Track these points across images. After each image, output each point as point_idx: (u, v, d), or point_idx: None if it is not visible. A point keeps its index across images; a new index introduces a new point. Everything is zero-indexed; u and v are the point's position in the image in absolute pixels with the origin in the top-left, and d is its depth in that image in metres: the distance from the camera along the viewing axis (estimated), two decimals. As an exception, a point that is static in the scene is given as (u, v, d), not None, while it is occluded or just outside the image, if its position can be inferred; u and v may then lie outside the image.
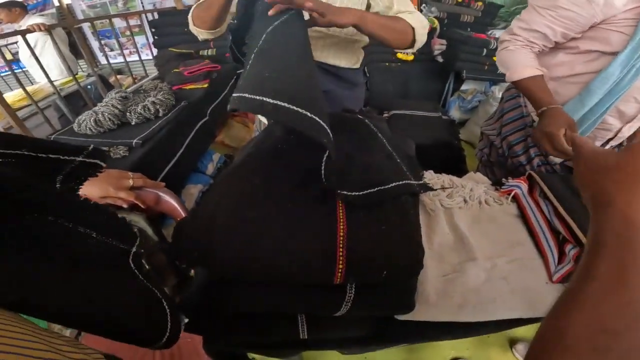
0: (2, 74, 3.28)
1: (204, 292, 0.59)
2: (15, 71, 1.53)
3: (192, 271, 0.70)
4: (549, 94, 0.92)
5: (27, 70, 2.69)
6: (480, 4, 3.06)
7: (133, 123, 1.28)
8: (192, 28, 1.08)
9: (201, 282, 0.62)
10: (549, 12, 0.90)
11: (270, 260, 0.51)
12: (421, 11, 2.86)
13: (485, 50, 2.46)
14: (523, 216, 0.79)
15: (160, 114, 1.30)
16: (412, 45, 0.99)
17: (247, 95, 0.50)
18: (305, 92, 0.54)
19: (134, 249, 0.50)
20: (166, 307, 0.46)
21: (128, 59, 2.13)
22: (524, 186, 0.85)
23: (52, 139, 1.35)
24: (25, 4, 2.73)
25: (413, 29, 0.94)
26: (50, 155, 0.41)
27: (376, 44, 2.60)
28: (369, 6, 1.02)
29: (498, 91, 2.40)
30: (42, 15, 3.07)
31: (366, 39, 1.16)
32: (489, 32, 3.34)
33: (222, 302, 0.58)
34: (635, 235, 0.26)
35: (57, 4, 3.37)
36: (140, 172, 1.19)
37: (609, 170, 0.31)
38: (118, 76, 2.11)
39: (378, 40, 0.93)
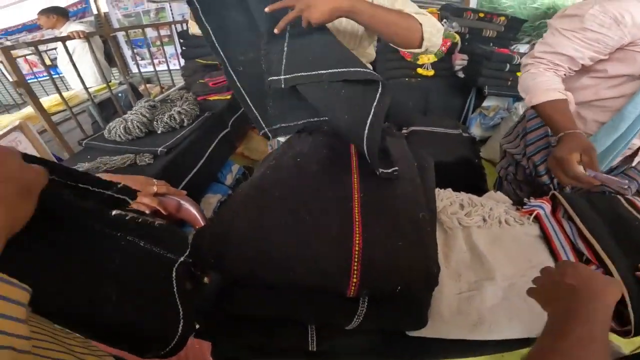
0: (39, 79, 3.49)
1: (217, 298, 0.61)
2: (53, 77, 1.62)
3: (206, 278, 0.72)
4: (569, 119, 0.87)
5: (63, 77, 2.85)
6: (502, 18, 3.01)
7: (159, 131, 1.34)
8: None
9: (215, 288, 0.63)
10: (575, 35, 0.88)
11: (285, 268, 0.52)
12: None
13: (508, 66, 2.40)
14: (545, 237, 0.78)
15: (185, 124, 1.36)
16: (420, 45, 0.88)
17: (303, 73, 0.75)
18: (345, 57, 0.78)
19: (181, 259, 0.52)
20: (181, 315, 0.46)
21: (157, 69, 2.23)
22: (547, 206, 0.84)
23: (83, 143, 1.43)
24: (67, 11, 2.91)
25: (420, 25, 0.85)
26: (80, 185, 0.45)
27: (396, 58, 2.60)
28: None
29: (521, 108, 2.35)
30: (82, 22, 3.25)
31: (373, 38, 1.10)
32: (512, 47, 3.29)
33: (234, 306, 0.59)
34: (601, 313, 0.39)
35: (95, 12, 3.59)
36: (163, 179, 1.24)
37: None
38: (147, 85, 2.21)
39: (379, 34, 0.87)
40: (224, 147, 1.55)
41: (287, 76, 0.78)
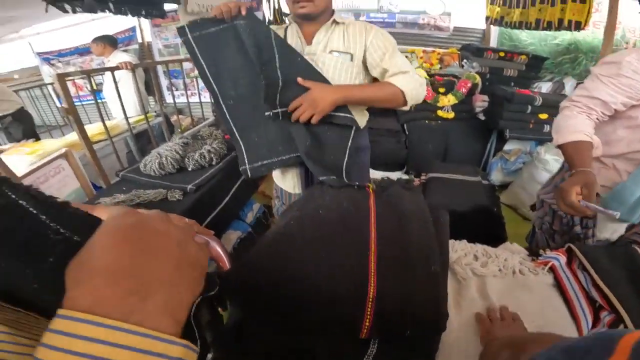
0: (83, 102, 3.78)
1: (234, 331, 0.65)
2: (98, 102, 1.75)
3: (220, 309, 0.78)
4: (586, 159, 0.92)
5: (105, 102, 3.07)
6: (523, 57, 3.03)
7: (189, 169, 1.43)
8: None
9: (232, 322, 0.68)
10: (611, 80, 0.93)
11: (303, 309, 0.58)
12: (462, 67, 2.91)
13: (529, 107, 2.37)
14: (559, 286, 0.79)
15: (214, 162, 1.45)
16: (405, 104, 1.08)
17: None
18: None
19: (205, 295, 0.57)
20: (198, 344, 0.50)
21: (190, 100, 2.38)
22: (562, 258, 0.85)
23: (120, 175, 1.54)
24: (116, 40, 3.17)
25: (402, 91, 1.03)
26: None
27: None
28: (365, 60, 1.12)
29: (544, 152, 2.28)
30: (126, 51, 3.52)
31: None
32: (535, 86, 3.27)
33: (250, 339, 0.64)
34: None
35: (140, 40, 3.89)
36: (191, 215, 1.32)
37: None
38: (180, 116, 2.36)
39: (370, 106, 1.12)
40: (247, 187, 1.62)
41: (284, 109, 0.98)
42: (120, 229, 0.26)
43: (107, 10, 1.47)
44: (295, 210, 0.93)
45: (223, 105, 1.04)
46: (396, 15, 3.69)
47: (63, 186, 1.56)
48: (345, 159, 1.06)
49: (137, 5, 1.63)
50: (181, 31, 0.98)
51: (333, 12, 1.13)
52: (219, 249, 0.93)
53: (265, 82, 0.96)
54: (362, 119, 1.25)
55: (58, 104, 4.10)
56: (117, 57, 2.73)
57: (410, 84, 1.04)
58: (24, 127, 2.94)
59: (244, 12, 0.95)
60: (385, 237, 0.75)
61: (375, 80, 1.16)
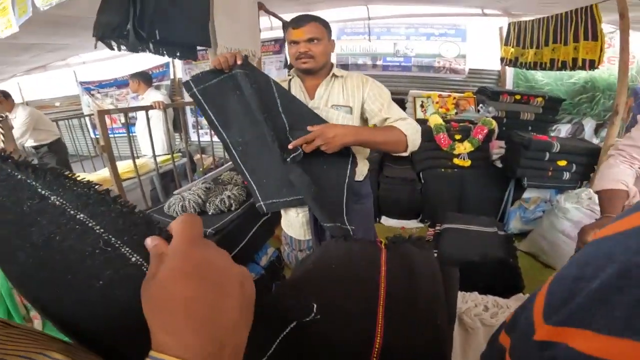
0: (115, 135, 4.04)
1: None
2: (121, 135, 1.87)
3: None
4: (615, 206, 0.99)
5: (135, 136, 3.26)
6: (540, 99, 3.01)
7: (210, 213, 1.50)
8: None
9: None
10: None
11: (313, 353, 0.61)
12: (478, 111, 2.95)
13: (547, 154, 2.33)
14: None
15: (233, 208, 1.51)
16: (405, 150, 1.12)
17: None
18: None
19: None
20: None
21: (213, 139, 2.51)
22: None
23: (145, 214, 1.63)
24: (150, 74, 3.40)
25: (406, 136, 1.08)
26: None
27: (432, 148, 2.69)
28: (362, 111, 1.19)
29: (564, 200, 2.21)
30: (159, 87, 3.77)
31: (367, 151, 1.30)
32: (553, 128, 3.26)
33: None
34: None
35: (172, 76, 4.18)
36: None
37: None
38: (202, 155, 2.49)
39: (377, 149, 1.15)
40: (263, 232, 1.67)
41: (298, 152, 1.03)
42: (193, 265, 0.26)
43: (147, 50, 1.61)
44: (310, 264, 0.98)
45: (234, 152, 1.11)
46: (412, 59, 3.84)
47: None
48: (344, 200, 1.07)
49: (173, 47, 1.79)
50: (187, 86, 1.05)
51: (332, 65, 1.23)
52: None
53: (273, 128, 0.99)
54: (363, 168, 1.30)
55: (92, 135, 4.40)
56: (151, 95, 2.93)
57: (409, 130, 1.10)
58: (57, 159, 3.09)
59: (239, 62, 0.99)
60: (394, 293, 0.77)
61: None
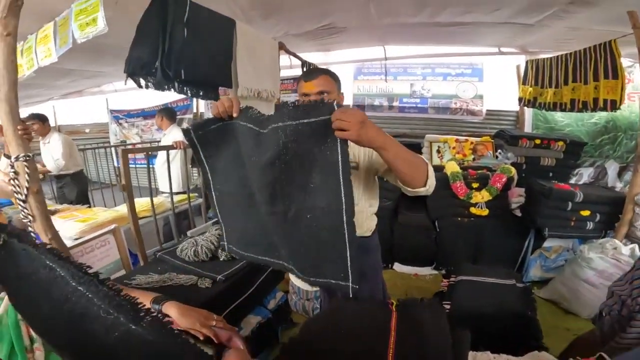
0: (137, 165, 4.19)
1: None
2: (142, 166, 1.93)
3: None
4: None
5: (153, 167, 3.35)
6: (561, 143, 2.93)
7: (222, 259, 1.50)
8: None
9: None
10: None
11: None
12: (496, 157, 2.90)
13: (570, 204, 2.26)
14: None
15: (245, 255, 1.51)
16: (425, 184, 0.96)
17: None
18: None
19: None
20: None
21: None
22: None
23: (158, 255, 1.64)
24: (174, 109, 3.51)
25: (427, 164, 0.97)
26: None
27: (447, 196, 2.65)
28: (372, 165, 1.15)
29: (588, 250, 2.13)
30: (181, 124, 3.88)
31: (376, 205, 1.26)
32: (575, 172, 3.15)
33: None
34: None
35: (194, 110, 4.38)
36: (217, 302, 1.37)
37: None
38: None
39: (395, 170, 0.92)
40: (273, 277, 1.65)
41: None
42: None
43: (172, 89, 1.68)
44: (318, 328, 0.99)
45: (213, 192, 1.14)
46: (428, 99, 3.88)
47: (105, 257, 1.69)
48: (347, 248, 0.86)
49: (197, 87, 1.86)
50: (186, 132, 1.08)
51: None
52: (239, 344, 1.02)
53: (267, 182, 0.93)
54: (371, 224, 1.28)
55: (115, 164, 4.58)
56: (173, 132, 3.00)
57: (430, 165, 1.00)
58: (78, 190, 3.13)
59: (234, 114, 0.94)
60: (402, 353, 0.82)
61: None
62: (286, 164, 0.87)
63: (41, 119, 3.07)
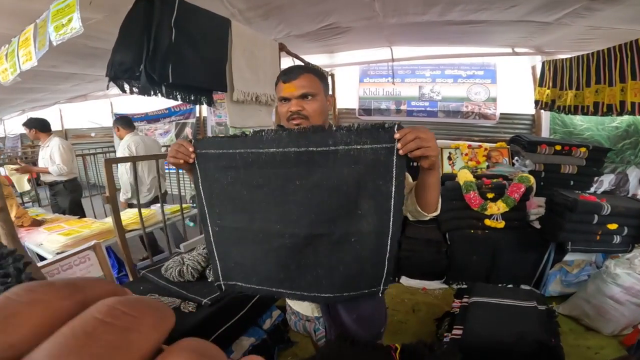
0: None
1: None
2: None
3: None
4: None
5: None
6: (583, 150, 2.75)
7: (209, 279, 1.37)
8: None
9: None
10: None
11: None
12: (513, 164, 2.71)
13: (596, 217, 2.06)
14: None
15: (234, 276, 1.37)
16: (435, 209, 0.94)
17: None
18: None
19: None
20: None
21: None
22: None
23: (141, 273, 1.52)
24: (129, 116, 3.34)
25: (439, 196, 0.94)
26: None
27: (460, 207, 2.46)
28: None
29: (614, 266, 1.97)
30: (185, 125, 3.82)
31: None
32: (596, 179, 2.97)
33: None
34: None
35: (197, 114, 4.30)
36: (203, 327, 1.25)
37: None
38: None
39: (425, 194, 0.90)
40: (268, 297, 1.52)
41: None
42: None
43: (159, 94, 1.56)
44: None
45: (209, 228, 0.96)
46: (438, 103, 3.69)
47: (86, 274, 1.58)
48: (385, 271, 0.86)
49: (187, 91, 1.74)
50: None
51: (330, 126, 1.05)
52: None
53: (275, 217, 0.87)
54: None
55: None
56: (128, 140, 2.77)
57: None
58: (71, 198, 3.02)
59: (190, 160, 0.86)
60: None
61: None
62: (329, 189, 0.81)
63: (39, 124, 3.04)
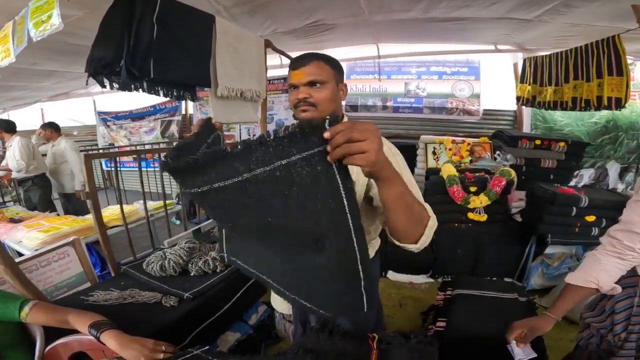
0: (125, 169, 4.05)
1: None
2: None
3: None
4: (567, 306, 1.04)
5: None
6: (562, 144, 2.84)
7: (192, 274, 1.36)
8: None
9: None
10: None
11: None
12: (495, 159, 2.78)
13: (574, 210, 2.12)
14: None
15: (218, 270, 1.37)
16: (416, 242, 0.73)
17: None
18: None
19: None
20: None
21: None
22: None
23: (122, 269, 1.50)
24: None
25: (429, 218, 0.74)
26: None
27: (444, 201, 2.49)
28: (369, 189, 0.89)
29: None
30: (171, 122, 3.80)
31: (371, 236, 1.04)
32: (576, 173, 3.05)
33: None
34: None
35: (183, 112, 4.23)
36: (185, 322, 1.24)
37: None
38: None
39: (390, 217, 0.68)
40: (254, 292, 1.54)
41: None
42: None
43: (140, 90, 1.54)
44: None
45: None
46: (423, 99, 3.75)
47: (65, 270, 1.54)
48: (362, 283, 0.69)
49: (169, 87, 1.72)
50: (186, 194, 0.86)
51: (342, 117, 0.99)
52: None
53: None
54: (374, 244, 1.14)
55: (105, 167, 4.44)
56: (62, 143, 3.13)
57: (433, 219, 0.76)
58: (41, 192, 3.17)
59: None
60: None
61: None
62: (282, 213, 0.65)
63: (5, 124, 3.24)
